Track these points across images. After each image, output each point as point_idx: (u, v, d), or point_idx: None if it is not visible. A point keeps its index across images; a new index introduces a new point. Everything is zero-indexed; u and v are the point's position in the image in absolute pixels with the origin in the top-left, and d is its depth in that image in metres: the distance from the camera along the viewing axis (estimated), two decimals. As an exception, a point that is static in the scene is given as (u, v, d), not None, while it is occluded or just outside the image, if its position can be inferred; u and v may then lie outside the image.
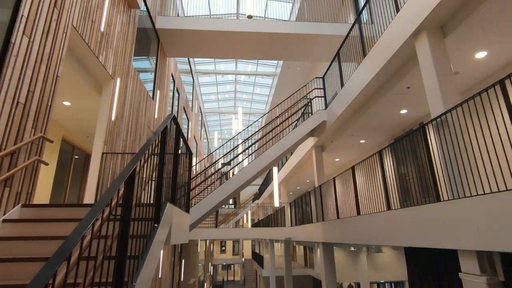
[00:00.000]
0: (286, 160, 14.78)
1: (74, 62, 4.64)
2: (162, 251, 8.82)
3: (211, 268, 34.03)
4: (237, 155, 8.52)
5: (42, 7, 3.46)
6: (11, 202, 2.99)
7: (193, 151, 16.35)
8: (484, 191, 2.90)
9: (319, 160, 9.32)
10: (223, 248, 41.38)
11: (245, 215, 28.38)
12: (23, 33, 3.18)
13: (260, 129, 10.11)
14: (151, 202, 2.56)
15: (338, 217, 6.99)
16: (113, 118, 5.35)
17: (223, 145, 10.03)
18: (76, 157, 7.86)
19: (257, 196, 29.24)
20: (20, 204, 3.10)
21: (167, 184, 3.13)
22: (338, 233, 6.93)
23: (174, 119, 3.42)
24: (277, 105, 10.65)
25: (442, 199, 3.59)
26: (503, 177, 2.77)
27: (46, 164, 3.43)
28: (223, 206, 34.98)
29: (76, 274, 1.39)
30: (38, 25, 3.41)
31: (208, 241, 29.08)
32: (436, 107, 3.82)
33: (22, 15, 3.15)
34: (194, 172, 13.43)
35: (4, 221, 2.79)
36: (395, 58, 4.76)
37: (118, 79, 5.60)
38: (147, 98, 7.47)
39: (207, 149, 27.06)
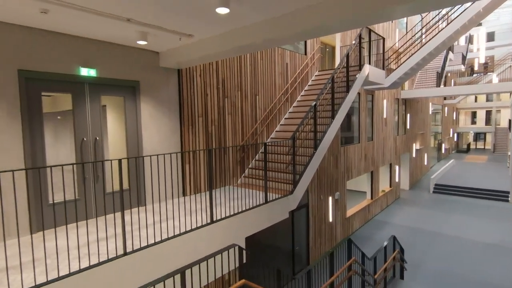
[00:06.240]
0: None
1: None
2: (385, 101, 13.72)
3: (454, 135, 35.16)
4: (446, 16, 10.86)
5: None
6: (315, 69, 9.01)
7: (405, 26, 18.08)
8: None
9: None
10: (475, 119, 40.14)
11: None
12: None
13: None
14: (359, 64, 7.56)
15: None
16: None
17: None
18: (327, 49, 13.68)
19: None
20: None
21: (368, 56, 7.91)
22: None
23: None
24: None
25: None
26: None
27: (322, 55, 9.14)
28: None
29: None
30: None
31: (447, 109, 29.98)
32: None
33: None
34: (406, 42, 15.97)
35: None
36: None
37: None
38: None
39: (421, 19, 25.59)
